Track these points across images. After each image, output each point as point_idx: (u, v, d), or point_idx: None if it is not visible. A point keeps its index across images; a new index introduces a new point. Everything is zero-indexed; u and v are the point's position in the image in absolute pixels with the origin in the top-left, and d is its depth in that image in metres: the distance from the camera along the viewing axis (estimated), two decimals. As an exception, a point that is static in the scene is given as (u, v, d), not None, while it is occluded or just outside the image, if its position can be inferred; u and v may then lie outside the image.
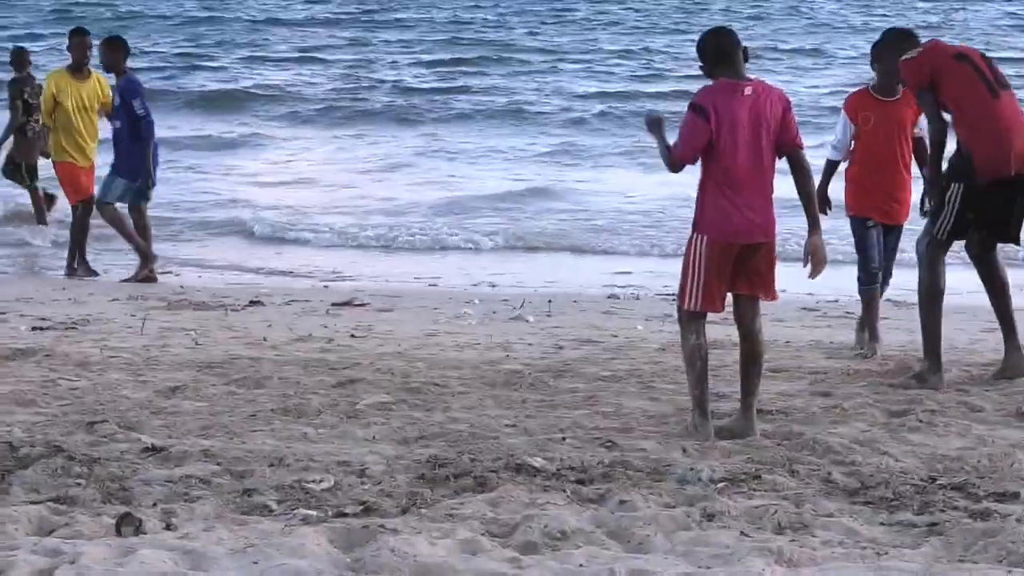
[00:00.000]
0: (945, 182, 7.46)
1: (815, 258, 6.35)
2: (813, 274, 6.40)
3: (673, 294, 11.20)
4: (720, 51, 6.34)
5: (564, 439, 6.27)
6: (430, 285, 12.78)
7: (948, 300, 7.82)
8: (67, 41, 12.64)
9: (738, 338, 6.59)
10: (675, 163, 6.37)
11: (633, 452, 6.03)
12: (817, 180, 6.88)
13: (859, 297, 8.87)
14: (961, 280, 9.00)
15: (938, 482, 5.56)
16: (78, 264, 12.53)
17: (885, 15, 42.80)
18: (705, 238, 6.30)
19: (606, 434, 6.39)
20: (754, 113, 6.25)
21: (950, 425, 6.61)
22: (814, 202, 6.43)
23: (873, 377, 7.79)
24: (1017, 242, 7.75)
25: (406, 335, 9.48)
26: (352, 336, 9.40)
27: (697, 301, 6.36)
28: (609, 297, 11.92)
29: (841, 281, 10.03)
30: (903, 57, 7.61)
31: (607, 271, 13.49)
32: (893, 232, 8.79)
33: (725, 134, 6.21)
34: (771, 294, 6.44)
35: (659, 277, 12.47)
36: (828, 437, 6.26)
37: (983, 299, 8.06)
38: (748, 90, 6.26)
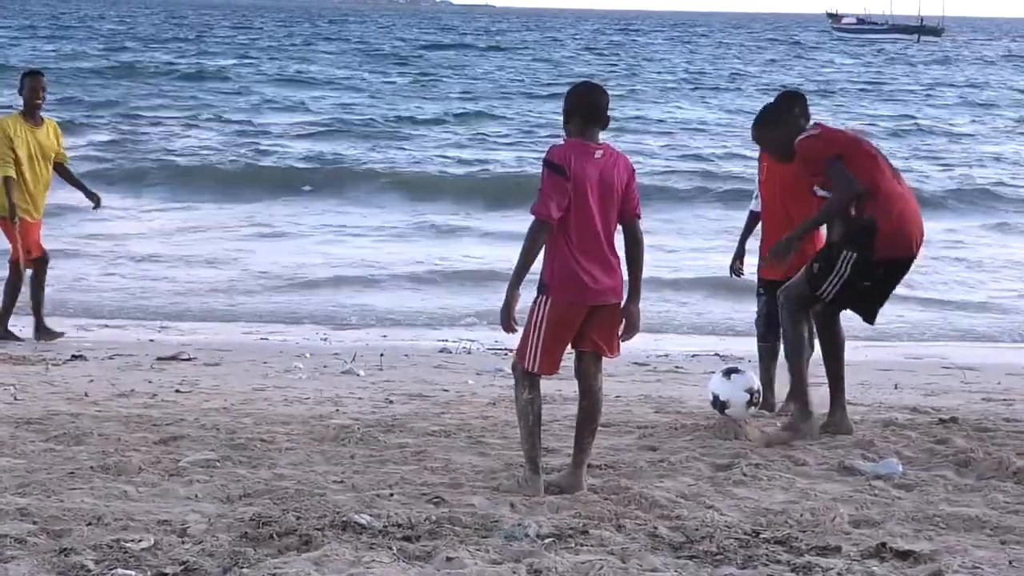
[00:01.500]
0: (836, 249, 7.49)
1: (628, 324, 6.37)
2: (625, 338, 6.40)
3: (505, 349, 11.31)
4: (587, 105, 6.28)
5: (392, 495, 6.21)
6: (260, 339, 12.62)
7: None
8: (19, 83, 11.60)
9: (576, 395, 6.55)
10: (538, 220, 6.16)
11: (461, 508, 5.99)
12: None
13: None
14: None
15: (762, 536, 5.61)
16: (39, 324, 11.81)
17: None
18: (552, 300, 6.26)
19: (434, 490, 6.34)
20: (604, 176, 6.24)
21: (774, 479, 6.69)
22: (640, 273, 6.38)
23: (700, 431, 7.87)
24: (872, 322, 7.86)
25: (233, 390, 9.33)
26: (177, 391, 9.22)
27: (537, 363, 6.32)
28: (441, 351, 11.89)
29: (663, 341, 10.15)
30: (802, 136, 7.48)
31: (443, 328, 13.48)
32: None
33: (578, 196, 6.19)
34: (614, 351, 6.43)
35: (491, 331, 12.48)
36: (655, 491, 6.29)
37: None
38: (599, 153, 6.26)
